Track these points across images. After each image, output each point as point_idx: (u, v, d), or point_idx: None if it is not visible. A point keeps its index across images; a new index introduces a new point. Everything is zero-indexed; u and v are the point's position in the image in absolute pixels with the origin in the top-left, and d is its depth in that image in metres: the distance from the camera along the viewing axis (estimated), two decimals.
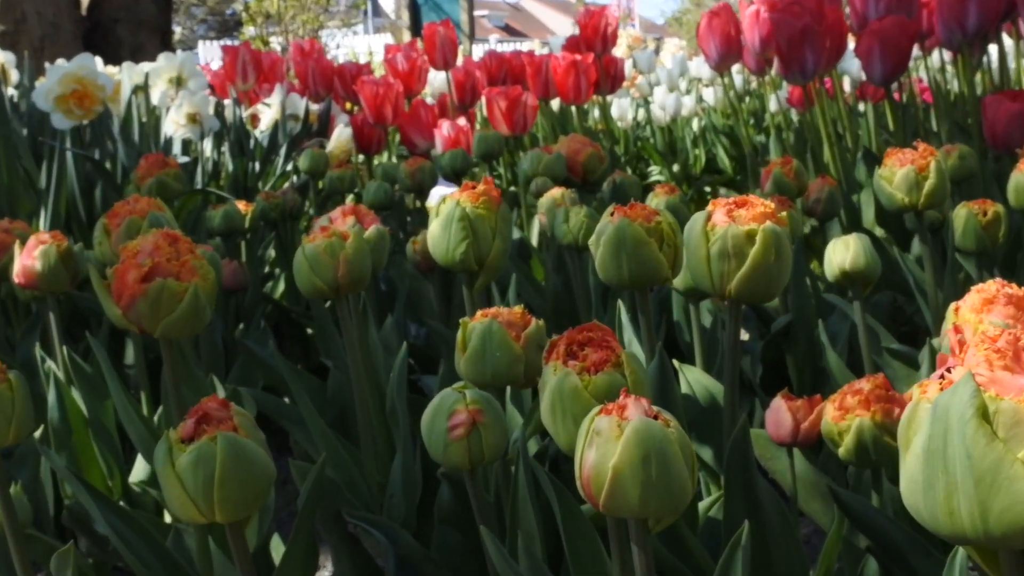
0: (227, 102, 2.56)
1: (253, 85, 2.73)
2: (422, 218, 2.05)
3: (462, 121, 2.34)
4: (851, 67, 2.95)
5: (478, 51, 7.43)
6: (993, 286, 0.72)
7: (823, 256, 1.11)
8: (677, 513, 0.55)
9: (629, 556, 0.58)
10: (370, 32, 20.06)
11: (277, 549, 1.00)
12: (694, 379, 1.03)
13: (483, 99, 2.47)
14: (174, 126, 2.11)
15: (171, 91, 2.27)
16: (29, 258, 1.12)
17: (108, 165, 1.97)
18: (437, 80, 3.29)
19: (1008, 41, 2.19)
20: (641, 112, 4.01)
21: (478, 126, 2.80)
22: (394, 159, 2.73)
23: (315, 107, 2.65)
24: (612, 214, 0.80)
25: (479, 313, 0.83)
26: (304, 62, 2.79)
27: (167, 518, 1.08)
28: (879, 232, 1.79)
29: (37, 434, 1.14)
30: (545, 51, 3.79)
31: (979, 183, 1.64)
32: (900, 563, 0.78)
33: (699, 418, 0.99)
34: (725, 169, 3.24)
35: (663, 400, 0.86)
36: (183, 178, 1.61)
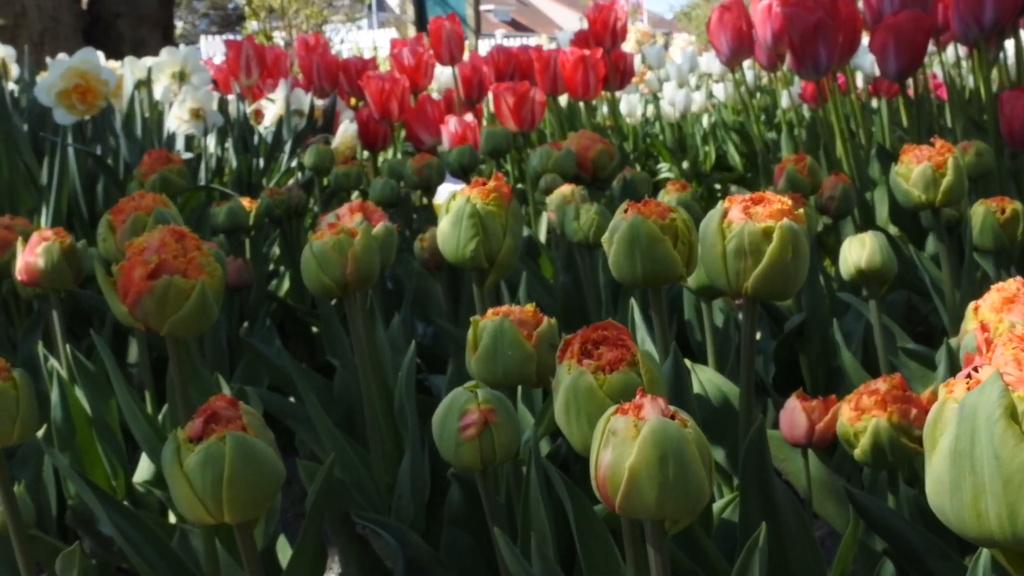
0: (231, 97, 2.56)
1: (257, 80, 2.73)
2: (428, 215, 2.05)
3: (469, 117, 2.34)
4: (864, 62, 2.95)
5: (484, 46, 7.42)
6: (1013, 284, 0.72)
7: (836, 254, 1.11)
8: (694, 515, 0.55)
9: (644, 558, 0.58)
10: (374, 27, 20.08)
11: (283, 550, 1.00)
12: (706, 379, 1.03)
13: (490, 95, 2.47)
14: (177, 122, 2.11)
15: (174, 86, 2.27)
16: (32, 255, 1.12)
17: (110, 161, 1.97)
18: (443, 76, 3.28)
19: None
20: (650, 108, 4.01)
21: (485, 122, 2.80)
22: (399, 155, 2.73)
23: (320, 103, 2.65)
24: (626, 211, 0.79)
25: (490, 311, 0.82)
26: (309, 57, 2.79)
27: (171, 518, 1.08)
28: (893, 230, 1.78)
29: (40, 433, 1.14)
30: (553, 46, 3.78)
31: (995, 180, 1.64)
32: (918, 566, 0.78)
33: (712, 418, 0.99)
34: (735, 166, 3.23)
35: (678, 400, 0.85)
36: (187, 174, 1.61)
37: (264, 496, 0.63)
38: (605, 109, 3.39)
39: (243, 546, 0.66)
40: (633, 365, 0.65)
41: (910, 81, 2.01)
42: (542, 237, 1.93)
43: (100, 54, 2.17)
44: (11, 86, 2.48)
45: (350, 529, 0.95)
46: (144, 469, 1.13)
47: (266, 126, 2.46)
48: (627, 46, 3.89)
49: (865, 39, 2.08)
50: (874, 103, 2.87)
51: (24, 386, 0.76)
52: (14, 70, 2.61)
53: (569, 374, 0.65)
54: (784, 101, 2.83)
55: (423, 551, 0.90)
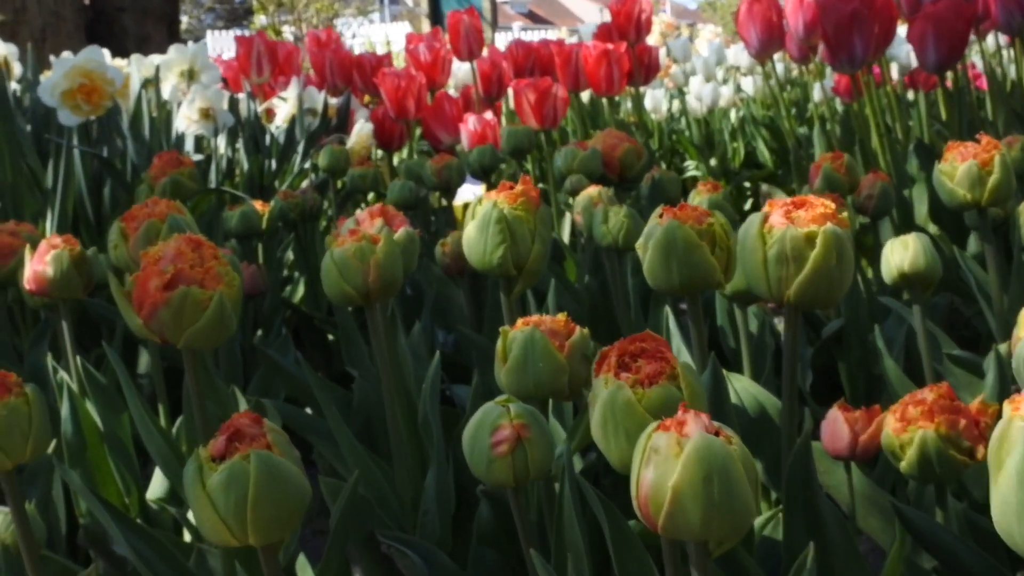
0: (241, 96, 2.56)
1: (268, 78, 2.73)
2: (447, 218, 2.04)
3: (488, 115, 2.34)
4: (899, 53, 2.93)
5: (501, 40, 7.42)
6: None
7: (874, 255, 1.10)
8: (740, 535, 0.55)
9: None
10: (387, 20, 20.12)
11: (303, 570, 1.00)
12: (742, 388, 1.02)
13: (510, 91, 2.46)
14: (186, 122, 2.11)
15: (183, 85, 2.27)
16: (41, 263, 1.12)
17: (117, 163, 1.97)
18: (460, 72, 3.28)
19: None
20: (676, 103, 4.00)
21: (504, 120, 2.80)
22: (415, 155, 2.73)
23: (333, 101, 2.65)
24: (661, 216, 0.79)
25: (520, 321, 0.82)
26: (321, 53, 2.78)
27: (187, 537, 1.08)
28: (932, 228, 1.77)
29: (50, 449, 1.14)
30: (574, 40, 3.77)
31: None
32: None
33: (749, 429, 0.99)
34: (765, 163, 3.22)
35: (718, 413, 0.85)
36: (198, 177, 1.61)
37: (290, 517, 0.63)
38: (629, 105, 3.38)
39: (268, 569, 0.66)
40: (673, 378, 0.64)
41: (949, 72, 2.00)
42: (566, 239, 1.92)
43: (105, 52, 2.18)
44: (14, 85, 2.49)
45: (374, 548, 0.95)
46: (158, 485, 1.13)
47: (278, 126, 2.46)
48: (651, 39, 3.88)
49: (901, 29, 2.07)
50: (910, 95, 2.85)
51: (36, 402, 0.76)
52: (17, 68, 2.61)
53: (606, 388, 0.64)
54: (816, 94, 2.82)
55: (451, 570, 0.89)
